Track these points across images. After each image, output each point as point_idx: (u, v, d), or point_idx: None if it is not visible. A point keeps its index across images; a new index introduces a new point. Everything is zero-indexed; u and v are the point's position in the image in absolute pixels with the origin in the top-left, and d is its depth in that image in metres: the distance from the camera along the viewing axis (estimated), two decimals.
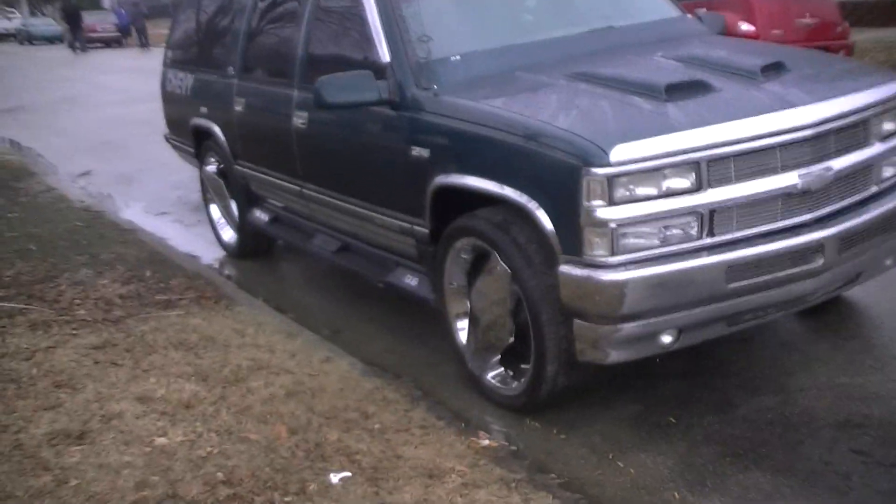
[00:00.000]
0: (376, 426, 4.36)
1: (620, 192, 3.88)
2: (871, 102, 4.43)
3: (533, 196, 4.14)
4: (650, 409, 4.52)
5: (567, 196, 3.96)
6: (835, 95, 4.33)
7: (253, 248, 7.55)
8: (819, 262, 4.17)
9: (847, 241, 4.26)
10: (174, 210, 9.60)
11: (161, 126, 13.76)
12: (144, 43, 38.42)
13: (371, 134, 5.24)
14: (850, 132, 4.34)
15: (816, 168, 4.16)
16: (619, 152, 3.84)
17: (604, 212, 3.87)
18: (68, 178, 11.77)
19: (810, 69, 4.80)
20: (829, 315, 5.29)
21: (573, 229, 3.98)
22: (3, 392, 4.85)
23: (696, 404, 4.51)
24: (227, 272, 7.36)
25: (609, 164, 3.83)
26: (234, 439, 4.24)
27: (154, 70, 26.54)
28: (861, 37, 15.03)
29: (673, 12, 5.86)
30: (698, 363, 4.86)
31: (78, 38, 40.94)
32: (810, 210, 4.19)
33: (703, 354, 4.83)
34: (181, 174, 11.10)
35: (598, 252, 3.93)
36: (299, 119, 5.88)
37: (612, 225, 3.88)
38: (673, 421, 4.38)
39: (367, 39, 5.27)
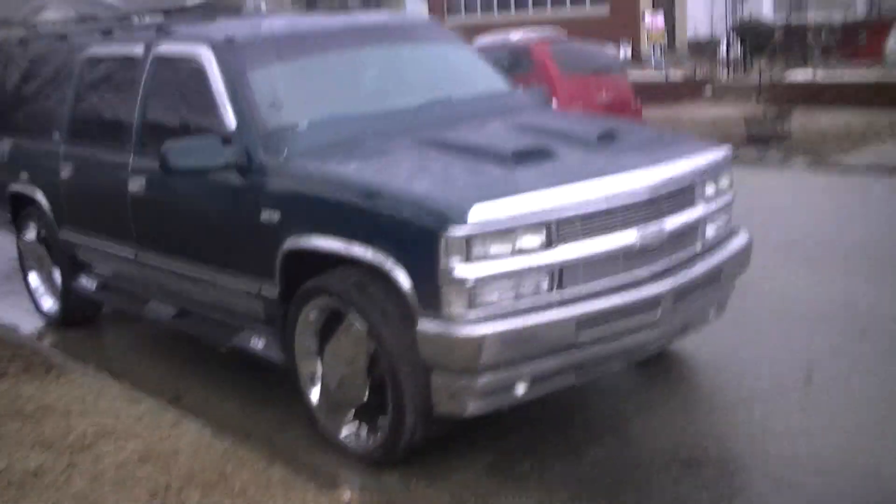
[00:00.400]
0: (237, 485, 4.35)
1: (477, 251, 4.09)
2: (697, 168, 4.86)
3: (390, 255, 4.29)
4: (504, 457, 4.71)
5: (425, 255, 4.14)
6: (666, 161, 4.73)
7: (77, 315, 7.35)
8: (657, 313, 4.51)
9: (680, 294, 4.63)
10: None
11: None
12: None
13: (217, 198, 5.28)
14: (680, 194, 4.73)
15: (652, 227, 4.51)
16: (475, 213, 4.05)
17: (461, 269, 4.07)
18: None
19: (639, 138, 5.19)
20: (657, 366, 5.64)
21: (431, 286, 4.15)
22: None
23: (547, 451, 4.73)
24: (51, 341, 7.13)
25: (466, 224, 4.04)
26: None
27: None
28: (651, 114, 16.01)
29: (503, 85, 6.20)
30: (542, 412, 5.08)
31: None
32: (647, 266, 4.53)
33: (545, 404, 5.04)
34: None
35: (456, 308, 4.13)
36: (136, 184, 5.85)
37: (470, 282, 4.09)
38: (527, 469, 4.57)
39: (210, 105, 5.33)
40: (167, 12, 6.83)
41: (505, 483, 4.46)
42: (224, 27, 5.81)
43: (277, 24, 5.85)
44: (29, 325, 7.56)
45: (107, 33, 6.79)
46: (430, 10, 34.63)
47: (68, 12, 58.50)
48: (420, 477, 4.56)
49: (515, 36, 20.35)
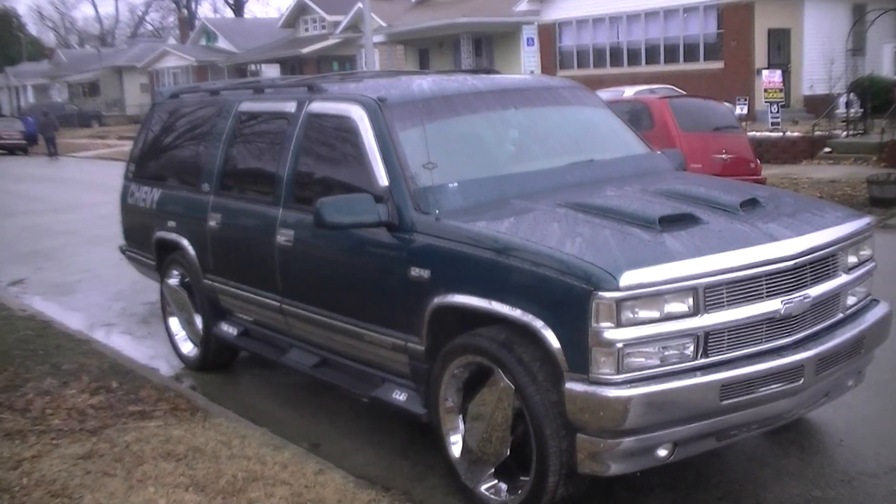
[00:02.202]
0: None
1: (627, 315, 4.19)
2: (840, 237, 4.91)
3: (539, 316, 4.42)
4: None
5: (576, 317, 4.25)
6: (810, 230, 4.78)
7: (215, 360, 7.63)
8: (799, 381, 4.55)
9: (822, 362, 4.66)
10: (120, 322, 9.60)
11: (89, 237, 13.78)
12: (53, 152, 38.15)
13: (366, 254, 5.48)
14: (823, 264, 4.78)
15: (796, 296, 4.57)
16: (627, 278, 4.16)
17: (611, 333, 4.18)
18: (1, 286, 11.66)
19: (781, 205, 5.24)
20: (791, 433, 5.64)
21: (581, 348, 4.27)
22: None
23: None
24: (190, 384, 7.40)
25: (618, 289, 4.15)
26: None
27: (70, 180, 26.47)
28: (769, 172, 15.92)
29: (642, 148, 6.31)
30: (677, 476, 5.13)
31: None
32: (790, 334, 4.59)
33: (680, 468, 5.10)
34: (119, 285, 11.17)
35: (605, 370, 4.23)
36: (284, 237, 6.10)
37: (619, 345, 4.19)
38: None
39: (362, 163, 5.55)
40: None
41: None
42: (374, 87, 6.04)
43: (426, 84, 6.04)
44: (168, 367, 7.89)
45: (259, 91, 7.09)
46: (543, 63, 34.91)
47: (188, 59, 60.55)
48: None
49: (630, 92, 20.47)
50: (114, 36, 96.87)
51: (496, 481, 4.89)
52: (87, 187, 23.94)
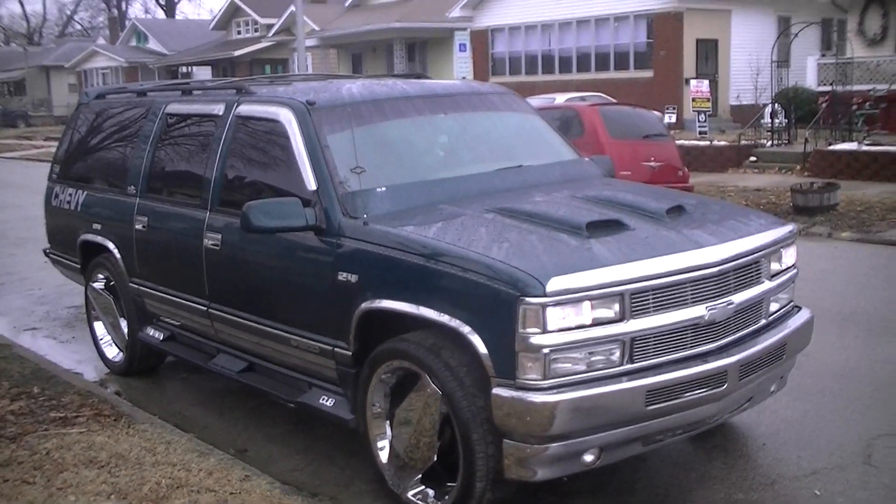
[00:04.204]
0: None
1: (553, 321, 4.21)
2: (764, 244, 4.99)
3: (467, 321, 4.42)
4: None
5: (503, 323, 4.27)
6: (735, 237, 4.86)
7: (141, 365, 7.51)
8: (723, 386, 4.61)
9: (745, 368, 4.73)
10: (44, 326, 9.41)
11: (13, 239, 13.51)
12: None
13: (294, 258, 5.44)
14: (747, 270, 4.85)
15: (720, 302, 4.63)
16: (554, 284, 4.19)
17: (538, 338, 4.20)
18: None
19: (707, 213, 5.31)
20: (715, 437, 5.71)
21: (508, 354, 4.28)
22: None
23: None
24: (115, 389, 7.28)
25: (544, 295, 4.18)
26: None
27: None
28: (696, 180, 16.13)
29: (571, 155, 6.35)
30: (603, 481, 5.17)
31: None
32: (714, 339, 4.65)
33: (606, 473, 5.14)
34: (44, 289, 10.97)
35: (531, 376, 4.25)
36: (211, 240, 6.03)
37: (545, 351, 4.21)
38: None
39: (290, 167, 5.51)
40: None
41: None
42: (304, 90, 5.99)
43: (356, 88, 6.01)
44: (92, 372, 7.75)
45: (187, 92, 7.00)
46: (476, 69, 35.01)
47: (118, 60, 59.61)
48: None
49: (561, 99, 20.60)
50: (41, 34, 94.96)
51: (423, 487, 4.87)
52: (13, 189, 23.47)
